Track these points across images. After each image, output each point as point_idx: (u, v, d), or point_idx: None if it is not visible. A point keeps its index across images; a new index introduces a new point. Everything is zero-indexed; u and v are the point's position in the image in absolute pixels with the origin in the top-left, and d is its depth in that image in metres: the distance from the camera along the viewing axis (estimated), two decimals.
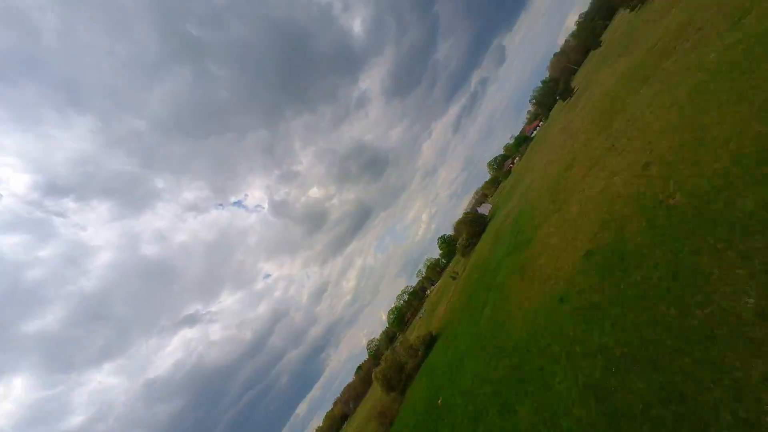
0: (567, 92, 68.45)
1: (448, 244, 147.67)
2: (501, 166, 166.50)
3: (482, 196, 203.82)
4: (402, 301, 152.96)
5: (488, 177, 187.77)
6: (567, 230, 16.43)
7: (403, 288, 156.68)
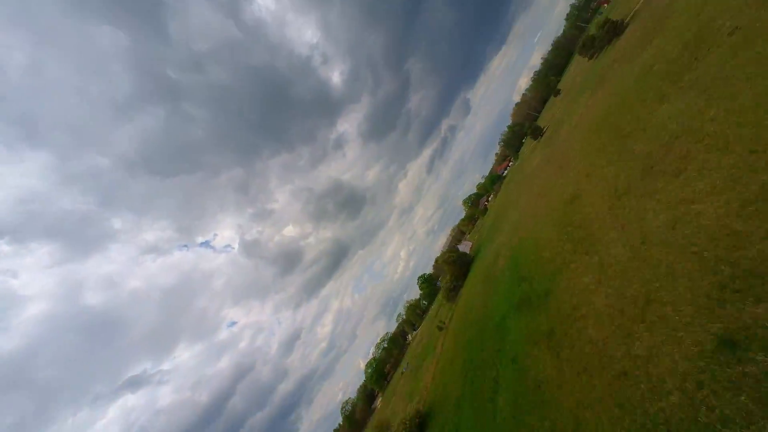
0: (537, 132, 70.53)
1: (428, 283, 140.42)
2: (476, 204, 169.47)
3: (459, 233, 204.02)
4: (381, 350, 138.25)
5: (464, 214, 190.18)
6: (621, 283, 11.14)
7: (381, 336, 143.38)
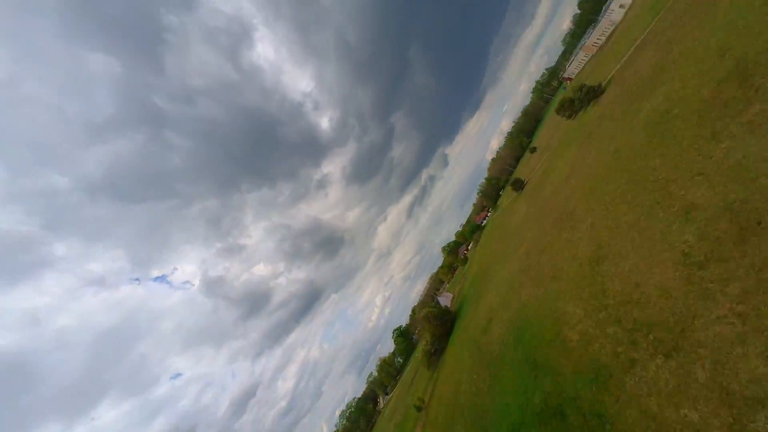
0: (518, 184, 70.44)
1: (404, 337, 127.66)
2: (455, 252, 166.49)
3: (438, 282, 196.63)
4: (344, 421, 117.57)
5: (443, 262, 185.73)
6: None
7: (348, 402, 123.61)
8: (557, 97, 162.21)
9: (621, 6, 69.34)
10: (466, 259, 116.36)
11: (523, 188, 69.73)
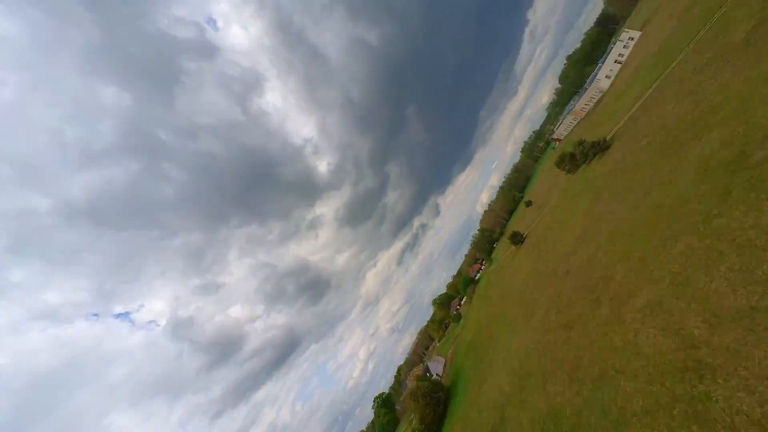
0: (517, 238, 65.97)
1: (387, 408, 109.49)
2: (446, 305, 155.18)
3: (427, 338, 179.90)
4: None
5: (433, 315, 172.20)
6: None
7: None
8: (546, 155, 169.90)
9: (607, 76, 74.04)
10: (459, 315, 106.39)
11: (522, 242, 65.07)
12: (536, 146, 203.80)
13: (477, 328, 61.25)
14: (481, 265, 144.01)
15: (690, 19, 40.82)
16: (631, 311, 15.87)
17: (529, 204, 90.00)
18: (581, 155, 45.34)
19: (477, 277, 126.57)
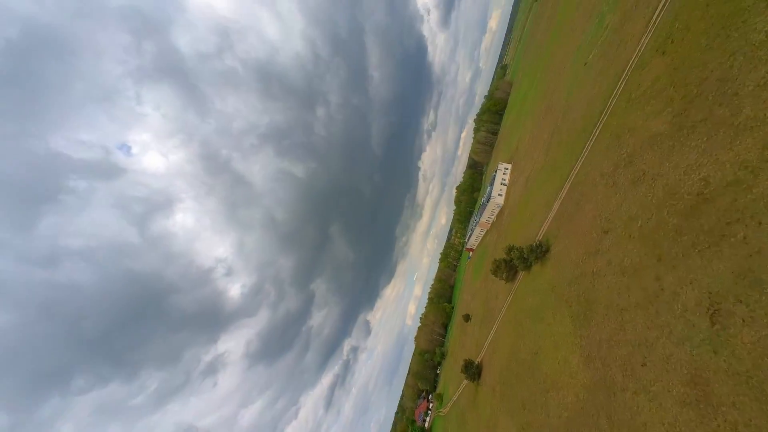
0: (471, 368, 51.59)
1: None
2: None
3: None
4: None
5: None
6: None
7: None
8: (463, 263, 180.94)
9: (499, 194, 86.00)
10: None
11: (480, 375, 50.56)
12: (450, 255, 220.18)
13: None
14: (428, 401, 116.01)
15: (551, 147, 49.31)
16: None
17: (467, 318, 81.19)
18: (520, 261, 40.50)
19: (428, 425, 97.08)
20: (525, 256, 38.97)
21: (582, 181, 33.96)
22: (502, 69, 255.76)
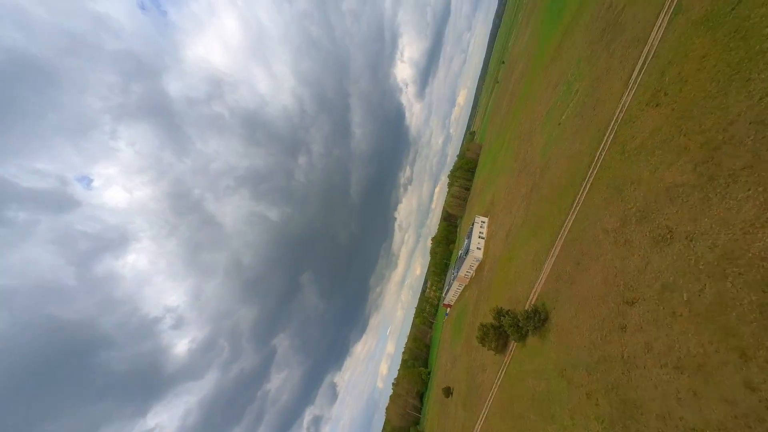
0: None
1: None
2: None
3: None
4: None
5: None
6: None
7: None
8: (440, 321, 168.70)
9: (478, 248, 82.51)
10: None
11: None
12: (425, 311, 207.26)
13: None
14: None
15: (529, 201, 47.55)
16: None
17: (448, 393, 69.18)
18: (513, 329, 33.95)
19: None
20: (519, 324, 32.67)
21: (578, 237, 30.18)
22: (471, 134, 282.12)
